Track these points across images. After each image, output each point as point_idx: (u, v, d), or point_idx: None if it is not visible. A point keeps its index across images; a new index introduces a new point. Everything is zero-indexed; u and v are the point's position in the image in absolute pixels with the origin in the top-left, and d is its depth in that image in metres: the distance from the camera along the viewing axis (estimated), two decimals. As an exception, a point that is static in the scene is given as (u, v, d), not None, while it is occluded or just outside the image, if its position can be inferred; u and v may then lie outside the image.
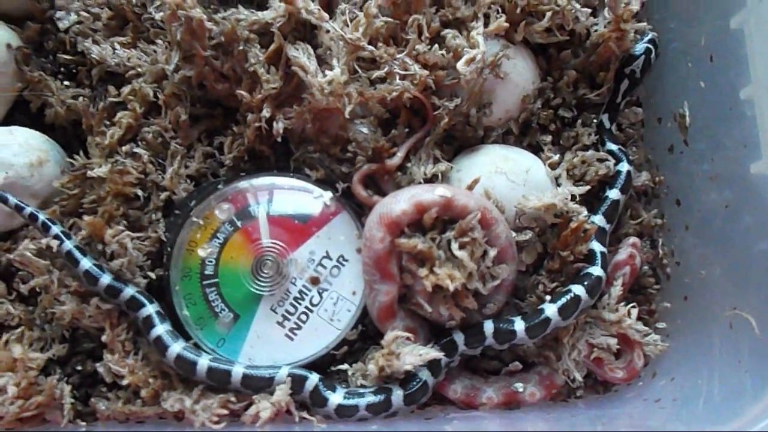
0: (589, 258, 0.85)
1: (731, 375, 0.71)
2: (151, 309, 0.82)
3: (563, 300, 0.82)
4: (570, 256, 0.85)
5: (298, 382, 0.79)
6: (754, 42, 0.71)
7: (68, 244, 0.82)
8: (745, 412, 0.62)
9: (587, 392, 0.89)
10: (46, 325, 0.86)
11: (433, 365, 0.79)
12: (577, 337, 0.85)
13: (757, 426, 0.59)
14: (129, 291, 0.82)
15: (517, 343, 0.82)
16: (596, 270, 0.84)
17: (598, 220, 0.87)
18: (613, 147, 0.90)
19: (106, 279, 0.82)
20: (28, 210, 0.83)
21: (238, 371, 0.79)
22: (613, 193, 0.88)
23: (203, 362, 0.79)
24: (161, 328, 0.81)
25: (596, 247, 0.86)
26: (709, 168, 0.80)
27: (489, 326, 0.82)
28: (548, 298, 0.84)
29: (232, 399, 0.79)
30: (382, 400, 0.78)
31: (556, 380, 0.85)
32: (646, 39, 0.90)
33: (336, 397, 0.78)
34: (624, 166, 0.89)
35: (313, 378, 0.80)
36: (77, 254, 0.82)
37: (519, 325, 0.81)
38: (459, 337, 0.82)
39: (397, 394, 0.78)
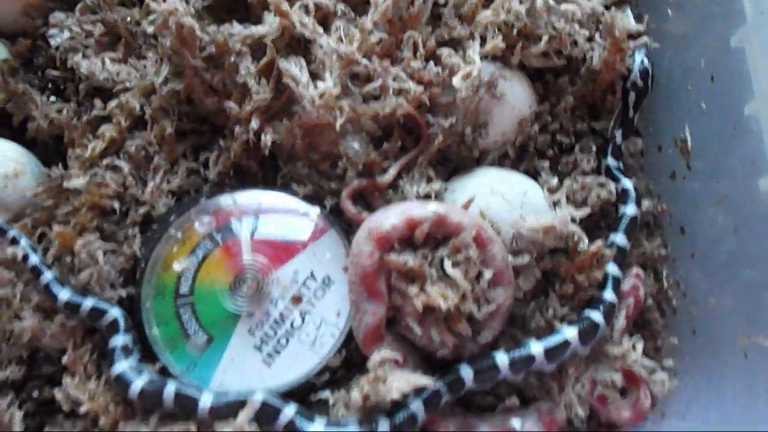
0: (603, 282, 0.81)
1: (749, 408, 0.64)
2: (119, 341, 0.76)
3: (582, 325, 0.77)
4: (585, 281, 0.80)
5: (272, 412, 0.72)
6: (757, 57, 0.69)
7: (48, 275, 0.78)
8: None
9: (590, 439, 0.81)
10: (3, 344, 0.80)
11: (430, 403, 0.72)
12: (582, 370, 0.79)
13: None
14: (113, 314, 0.77)
15: (534, 369, 0.76)
16: (609, 294, 0.80)
17: (619, 239, 0.84)
18: (613, 163, 0.88)
19: (89, 302, 0.77)
20: (33, 259, 0.79)
21: (206, 399, 0.72)
22: (630, 209, 0.85)
23: (169, 389, 0.73)
24: (124, 364, 0.75)
25: (612, 270, 0.82)
26: (715, 190, 0.77)
27: (503, 357, 0.75)
28: (557, 324, 0.79)
29: (192, 428, 0.71)
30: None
31: (558, 416, 0.77)
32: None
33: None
34: (628, 183, 0.86)
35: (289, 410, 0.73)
36: (55, 288, 0.78)
37: (536, 347, 0.75)
38: (467, 373, 0.75)
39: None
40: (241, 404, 0.72)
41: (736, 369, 0.70)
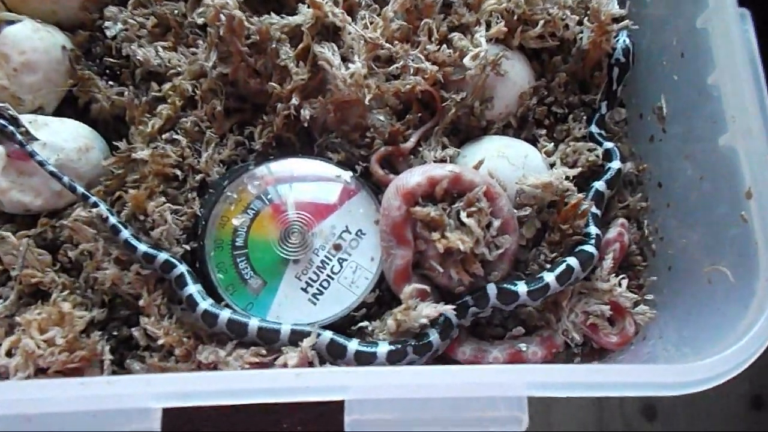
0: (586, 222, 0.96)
1: (713, 323, 0.79)
2: (193, 289, 0.90)
3: (580, 256, 0.91)
4: (570, 229, 0.95)
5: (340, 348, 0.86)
6: (717, 36, 0.84)
7: (125, 233, 0.91)
8: (721, 344, 0.71)
9: (585, 359, 0.96)
10: (87, 291, 0.94)
11: (459, 310, 0.87)
12: (574, 302, 0.94)
13: (731, 348, 0.69)
14: (181, 268, 0.90)
15: (549, 294, 0.89)
16: (593, 229, 0.94)
17: (599, 184, 0.98)
18: (596, 130, 1.03)
19: (163, 256, 0.91)
20: (112, 220, 0.92)
21: (286, 329, 0.86)
22: (615, 164, 1.00)
23: (253, 323, 0.87)
24: (206, 303, 0.88)
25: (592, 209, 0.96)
26: (684, 148, 0.92)
27: (522, 287, 0.89)
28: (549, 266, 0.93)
29: (263, 351, 0.86)
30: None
31: (556, 340, 0.92)
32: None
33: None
34: (610, 144, 1.01)
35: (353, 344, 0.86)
36: (134, 242, 0.91)
37: (549, 276, 0.89)
38: (492, 290, 0.89)
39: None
40: (310, 334, 0.85)
41: (702, 293, 0.84)
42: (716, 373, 0.68)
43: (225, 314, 0.87)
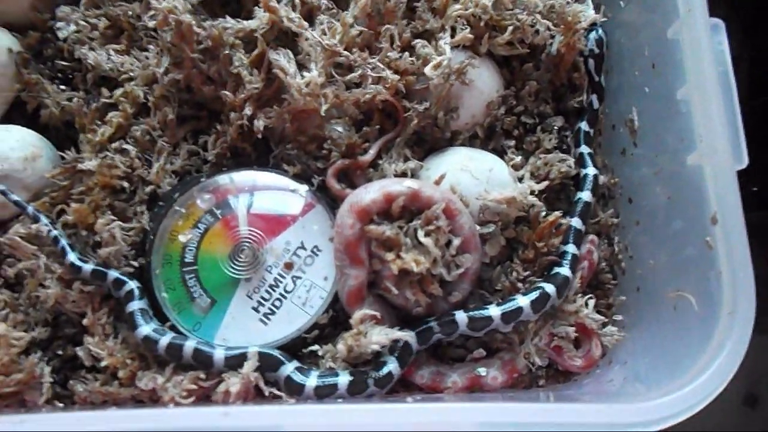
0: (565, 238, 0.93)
1: (676, 352, 0.75)
2: (136, 305, 0.87)
3: (556, 280, 0.88)
4: (545, 247, 0.91)
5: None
6: (687, 47, 0.79)
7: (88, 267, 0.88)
8: (680, 379, 0.67)
9: (549, 382, 0.93)
10: (30, 309, 0.90)
11: (422, 336, 0.85)
12: (540, 324, 0.90)
13: (692, 384, 0.65)
14: (131, 284, 0.87)
15: (521, 320, 0.86)
16: (571, 248, 0.92)
17: (586, 196, 0.95)
18: (585, 128, 1.00)
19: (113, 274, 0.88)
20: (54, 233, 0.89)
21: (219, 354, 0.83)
22: (590, 170, 0.96)
23: (189, 344, 0.83)
24: (147, 328, 0.85)
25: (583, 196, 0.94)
26: (654, 164, 0.87)
27: (495, 310, 0.86)
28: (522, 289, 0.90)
29: (202, 376, 0.82)
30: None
31: (518, 365, 0.89)
32: None
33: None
34: (586, 149, 0.98)
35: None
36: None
37: (523, 301, 0.86)
38: (461, 319, 0.86)
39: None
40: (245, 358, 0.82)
41: (668, 319, 0.80)
42: (671, 413, 0.64)
43: (164, 340, 0.83)
